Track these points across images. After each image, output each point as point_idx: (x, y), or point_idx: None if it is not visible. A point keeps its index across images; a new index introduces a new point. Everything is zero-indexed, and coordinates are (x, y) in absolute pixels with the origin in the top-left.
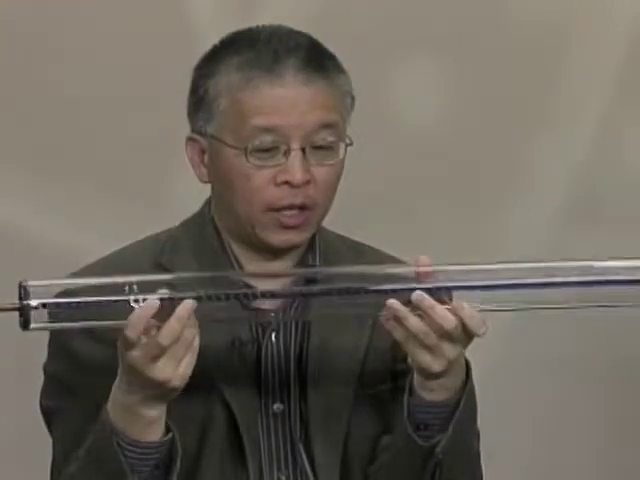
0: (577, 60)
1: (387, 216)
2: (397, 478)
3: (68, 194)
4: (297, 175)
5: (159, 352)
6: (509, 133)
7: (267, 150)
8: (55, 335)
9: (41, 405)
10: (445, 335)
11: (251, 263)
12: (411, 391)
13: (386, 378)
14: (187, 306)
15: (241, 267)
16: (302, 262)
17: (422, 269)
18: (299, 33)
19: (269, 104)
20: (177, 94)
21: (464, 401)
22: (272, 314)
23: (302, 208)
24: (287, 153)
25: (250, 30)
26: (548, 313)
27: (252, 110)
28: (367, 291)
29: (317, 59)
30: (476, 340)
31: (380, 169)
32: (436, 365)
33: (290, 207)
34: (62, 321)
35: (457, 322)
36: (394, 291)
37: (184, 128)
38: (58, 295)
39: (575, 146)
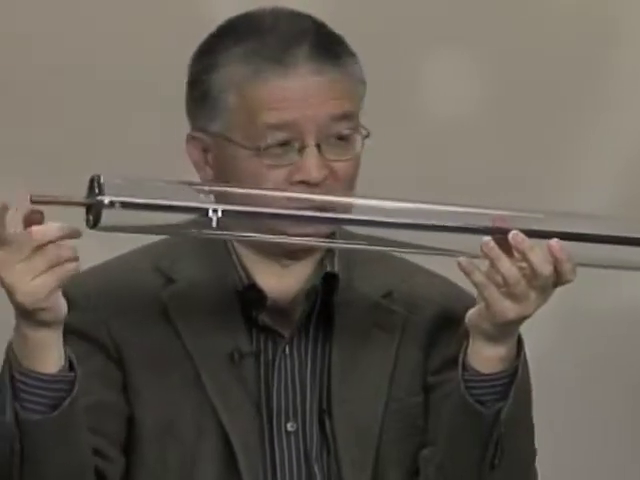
0: (627, 52)
1: None
2: (460, 463)
3: None
4: (313, 173)
5: (20, 254)
6: (555, 125)
7: (280, 147)
8: None
9: None
10: (534, 282)
11: (260, 267)
12: (464, 366)
13: (417, 391)
14: (75, 229)
15: (246, 271)
16: (320, 269)
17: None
18: (302, 15)
19: (280, 98)
20: (175, 92)
21: (521, 370)
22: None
23: (321, 209)
24: (302, 150)
25: (249, 15)
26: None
27: (262, 105)
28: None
29: (327, 45)
30: None
31: (413, 163)
32: (513, 313)
33: (308, 209)
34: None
35: (552, 269)
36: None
37: (183, 127)
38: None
39: (627, 134)
